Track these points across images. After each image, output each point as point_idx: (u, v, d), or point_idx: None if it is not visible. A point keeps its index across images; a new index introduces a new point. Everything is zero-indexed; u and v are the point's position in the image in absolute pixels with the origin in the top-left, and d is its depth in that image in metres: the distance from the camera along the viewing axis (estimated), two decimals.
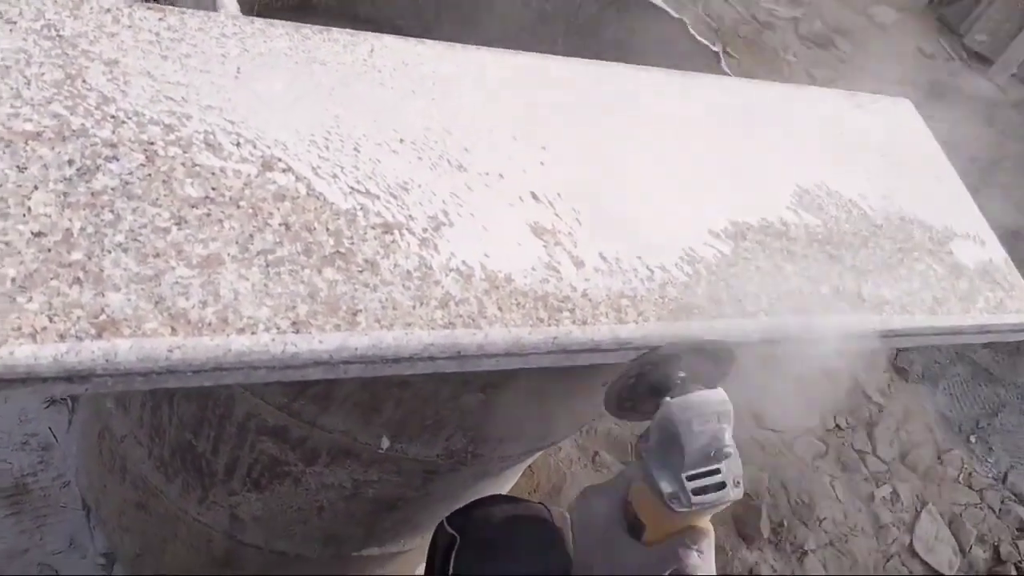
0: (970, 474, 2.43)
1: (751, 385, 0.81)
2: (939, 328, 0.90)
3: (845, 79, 3.79)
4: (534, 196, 0.76)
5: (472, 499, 1.04)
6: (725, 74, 1.13)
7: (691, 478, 0.69)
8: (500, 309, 0.66)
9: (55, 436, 1.52)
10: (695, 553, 0.71)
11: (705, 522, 0.73)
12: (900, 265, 0.92)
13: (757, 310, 0.79)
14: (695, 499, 0.69)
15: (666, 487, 0.69)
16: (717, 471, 0.70)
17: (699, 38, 1.18)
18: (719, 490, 0.70)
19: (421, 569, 1.51)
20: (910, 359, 2.66)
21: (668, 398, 0.71)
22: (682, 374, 0.73)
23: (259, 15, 0.77)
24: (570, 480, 1.92)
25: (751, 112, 0.99)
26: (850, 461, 2.29)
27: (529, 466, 1.80)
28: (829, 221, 0.91)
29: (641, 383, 0.74)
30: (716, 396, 0.71)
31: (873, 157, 1.04)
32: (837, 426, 2.36)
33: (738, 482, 0.71)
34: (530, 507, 1.02)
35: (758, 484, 2.08)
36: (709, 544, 0.72)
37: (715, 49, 1.15)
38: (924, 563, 2.16)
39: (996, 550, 2.28)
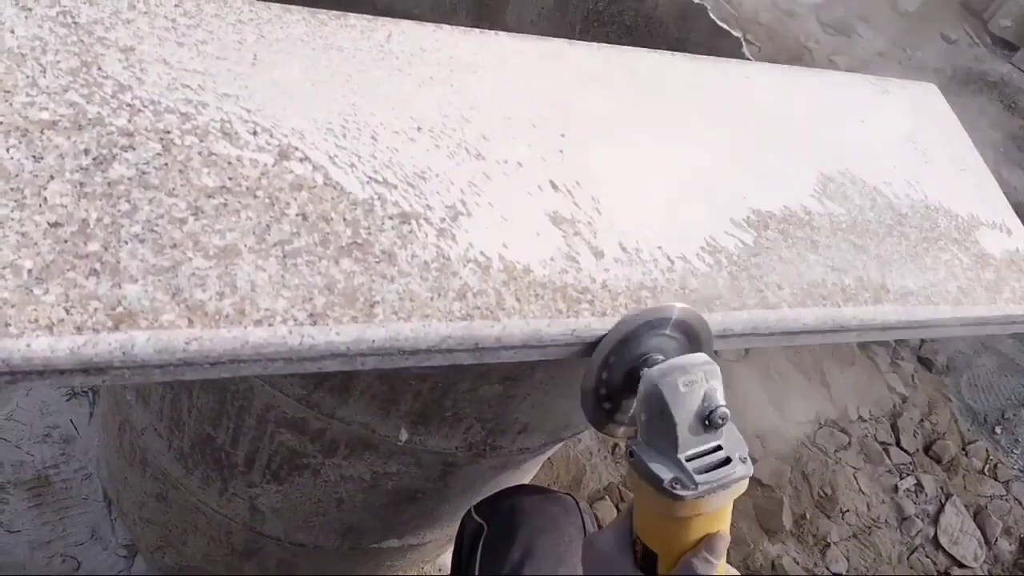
0: (995, 465, 2.40)
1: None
2: (965, 319, 0.88)
3: (868, 66, 3.75)
4: (553, 185, 0.75)
5: (491, 491, 1.04)
6: (747, 59, 1.11)
7: (691, 459, 0.64)
8: (518, 301, 0.65)
9: (76, 429, 1.53)
10: (715, 564, 0.65)
11: (720, 523, 0.67)
12: (925, 255, 0.91)
13: (780, 301, 0.77)
14: (699, 478, 0.62)
15: (665, 473, 0.63)
16: (718, 447, 0.65)
17: (720, 23, 1.16)
18: (724, 465, 0.64)
19: (440, 561, 1.51)
20: (934, 349, 2.63)
21: (645, 370, 0.66)
22: (660, 357, 0.68)
23: (275, 1, 0.76)
24: (589, 471, 1.92)
25: (774, 98, 0.97)
26: (873, 452, 2.26)
27: (549, 458, 1.79)
28: (853, 210, 0.90)
29: (614, 378, 0.70)
30: (698, 356, 0.66)
31: (899, 144, 1.03)
32: (860, 417, 2.34)
33: (744, 458, 0.65)
34: (557, 497, 1.02)
35: (780, 476, 2.07)
36: (722, 550, 0.66)
37: (736, 34, 1.13)
38: (949, 555, 2.13)
39: (1022, 542, 2.25)
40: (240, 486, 1.09)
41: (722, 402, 0.64)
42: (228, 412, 0.98)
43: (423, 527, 1.22)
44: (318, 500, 1.08)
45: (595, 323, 0.68)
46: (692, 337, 0.71)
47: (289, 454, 1.00)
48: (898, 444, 2.32)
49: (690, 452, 0.64)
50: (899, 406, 2.42)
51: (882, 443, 2.30)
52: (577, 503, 1.02)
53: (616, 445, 1.99)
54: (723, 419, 0.64)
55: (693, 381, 0.64)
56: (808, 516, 2.05)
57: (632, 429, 0.73)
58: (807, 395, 2.32)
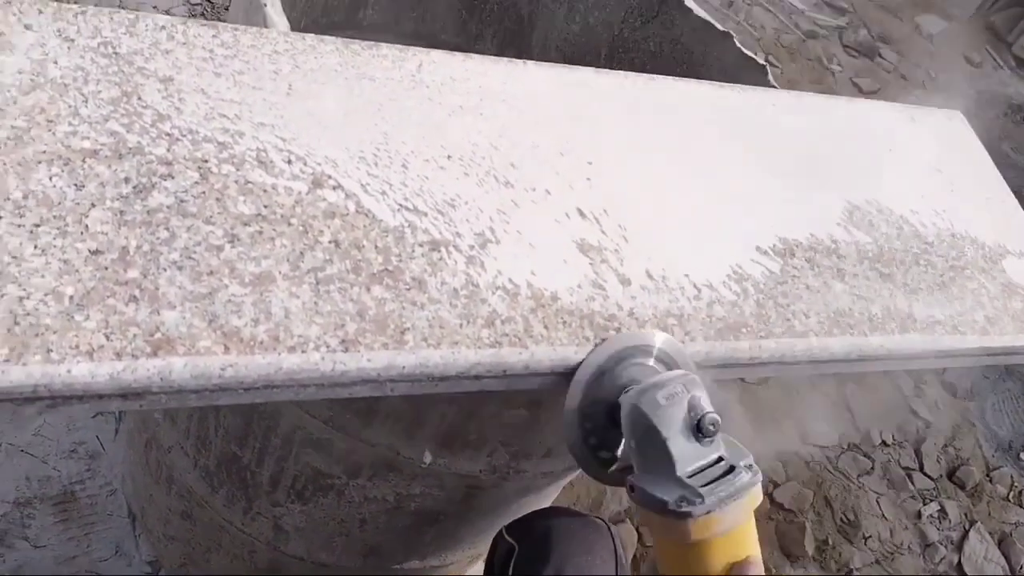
0: (1020, 492, 2.37)
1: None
2: (991, 349, 0.88)
3: (891, 89, 3.74)
4: (580, 212, 0.76)
5: (514, 515, 1.04)
6: (772, 87, 1.11)
7: (692, 475, 0.60)
8: (546, 328, 0.66)
9: (102, 445, 1.54)
10: None
11: (746, 546, 0.62)
12: (952, 284, 0.90)
13: (807, 330, 0.78)
14: (705, 491, 0.58)
15: (668, 494, 0.59)
16: (719, 459, 0.62)
17: (746, 51, 1.17)
18: (728, 475, 0.60)
19: None
20: (958, 374, 2.61)
21: (623, 395, 0.63)
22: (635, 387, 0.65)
23: (305, 31, 0.78)
24: (610, 494, 1.91)
25: (800, 125, 0.98)
26: (897, 478, 2.24)
27: (571, 482, 1.79)
28: (880, 238, 0.90)
29: (596, 416, 0.67)
30: (675, 372, 0.64)
31: (925, 172, 1.03)
32: (883, 442, 2.32)
33: (750, 465, 0.62)
34: (589, 520, 1.02)
35: (802, 501, 2.05)
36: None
37: (762, 62, 1.14)
38: None
39: None
40: (264, 505, 1.10)
41: (709, 408, 0.62)
42: (255, 432, 0.99)
43: (445, 549, 1.22)
44: (341, 521, 1.08)
45: None
46: (668, 361, 0.69)
47: (314, 474, 1.01)
48: (921, 470, 2.30)
49: (690, 468, 0.61)
50: (922, 431, 2.40)
51: (905, 468, 2.28)
52: (609, 527, 1.03)
53: None
54: (714, 425, 0.61)
55: (674, 393, 0.61)
56: (831, 542, 2.03)
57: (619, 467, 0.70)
58: (830, 419, 2.31)
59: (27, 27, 0.62)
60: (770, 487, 2.05)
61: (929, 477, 2.29)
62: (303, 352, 0.56)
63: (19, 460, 1.47)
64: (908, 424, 2.41)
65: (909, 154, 1.03)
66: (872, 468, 2.25)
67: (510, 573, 0.95)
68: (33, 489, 1.45)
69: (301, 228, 0.62)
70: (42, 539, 1.41)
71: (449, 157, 0.73)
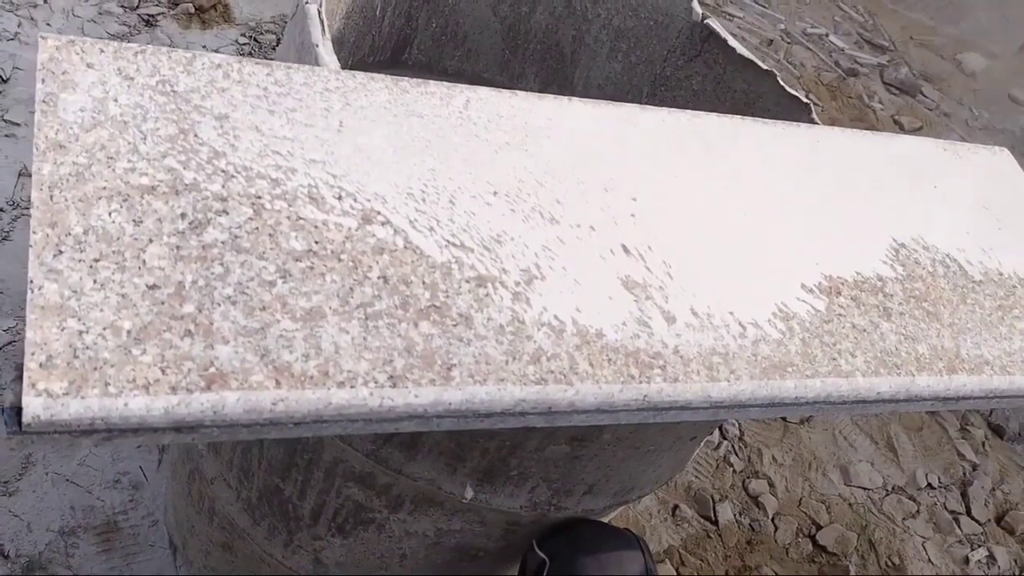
0: None
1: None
2: None
3: (934, 127, 3.71)
4: (625, 249, 0.76)
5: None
6: (816, 123, 1.11)
7: None
8: (591, 365, 0.66)
9: (145, 475, 1.56)
10: None
11: None
12: (1000, 323, 0.89)
13: (853, 369, 0.77)
14: None
15: None
16: None
17: (789, 89, 1.17)
18: None
19: None
20: (1006, 415, 2.55)
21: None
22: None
23: (353, 69, 0.79)
24: (649, 533, 1.89)
25: (844, 162, 0.97)
26: (943, 522, 2.19)
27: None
28: (926, 276, 0.89)
29: None
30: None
31: (971, 209, 1.02)
32: (929, 485, 2.27)
33: None
34: (619, 533, 1.02)
35: (846, 544, 2.01)
36: None
37: (806, 101, 1.14)
38: None
39: None
40: (305, 538, 1.10)
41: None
42: (297, 465, 1.00)
43: None
44: (381, 555, 1.08)
45: (667, 388, 0.68)
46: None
47: (355, 508, 1.01)
48: (968, 513, 2.25)
49: None
50: (969, 474, 2.35)
51: (952, 512, 2.23)
52: (638, 539, 1.03)
53: (676, 506, 1.96)
54: None
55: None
56: None
57: None
58: (874, 460, 2.27)
59: (89, 66, 0.64)
60: (812, 529, 2.02)
61: (976, 521, 2.23)
62: (352, 387, 0.57)
63: (64, 489, 1.49)
64: (954, 466, 2.36)
65: (955, 191, 1.02)
66: (918, 511, 2.20)
67: None
68: (77, 519, 1.47)
69: (351, 264, 0.62)
70: (84, 568, 1.42)
71: (495, 193, 0.73)
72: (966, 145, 1.12)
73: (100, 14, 2.48)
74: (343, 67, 0.83)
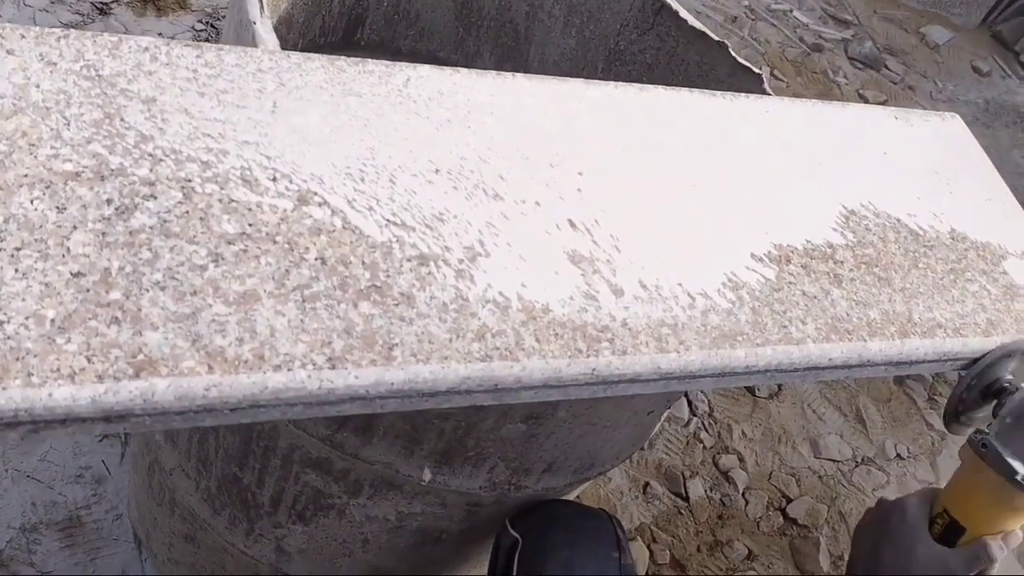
0: None
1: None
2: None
3: (898, 100, 3.73)
4: (571, 223, 0.75)
5: None
6: (767, 94, 1.11)
7: None
8: (538, 340, 0.65)
9: (108, 469, 1.54)
10: (1004, 553, 0.80)
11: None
12: (952, 286, 0.89)
13: (804, 336, 0.77)
14: None
15: (1021, 468, 0.78)
16: None
17: (741, 60, 1.17)
18: None
19: None
20: None
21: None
22: (1009, 377, 0.84)
23: (304, 52, 0.78)
24: (620, 511, 1.90)
25: (794, 131, 0.97)
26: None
27: (578, 497, 1.78)
28: (877, 242, 0.89)
29: (972, 392, 0.85)
30: None
31: (922, 175, 1.02)
32: (898, 455, 2.29)
33: None
34: (593, 512, 1.03)
35: (816, 516, 2.03)
36: (1013, 545, 0.82)
37: (758, 71, 1.14)
38: None
39: None
40: (266, 527, 1.09)
41: None
42: (254, 452, 0.99)
43: (448, 567, 1.21)
44: (343, 541, 1.08)
45: (616, 361, 0.68)
46: None
47: (314, 494, 1.01)
48: (938, 483, 2.27)
49: None
50: (938, 443, 2.38)
51: (922, 482, 2.25)
52: (611, 517, 1.03)
53: (647, 484, 1.97)
54: None
55: None
56: (845, 557, 2.01)
57: (970, 430, 0.88)
58: (843, 432, 2.29)
59: (9, 52, 0.62)
60: (783, 502, 2.03)
61: None
62: (289, 370, 0.56)
63: (25, 486, 1.47)
64: (923, 437, 2.38)
65: (905, 157, 1.02)
66: (887, 482, 2.22)
67: (515, 567, 0.95)
68: (39, 514, 1.45)
69: (287, 246, 0.61)
70: (48, 565, 1.40)
71: (437, 171, 0.72)
72: (917, 112, 1.12)
73: (52, 3, 2.43)
74: (293, 49, 0.82)
